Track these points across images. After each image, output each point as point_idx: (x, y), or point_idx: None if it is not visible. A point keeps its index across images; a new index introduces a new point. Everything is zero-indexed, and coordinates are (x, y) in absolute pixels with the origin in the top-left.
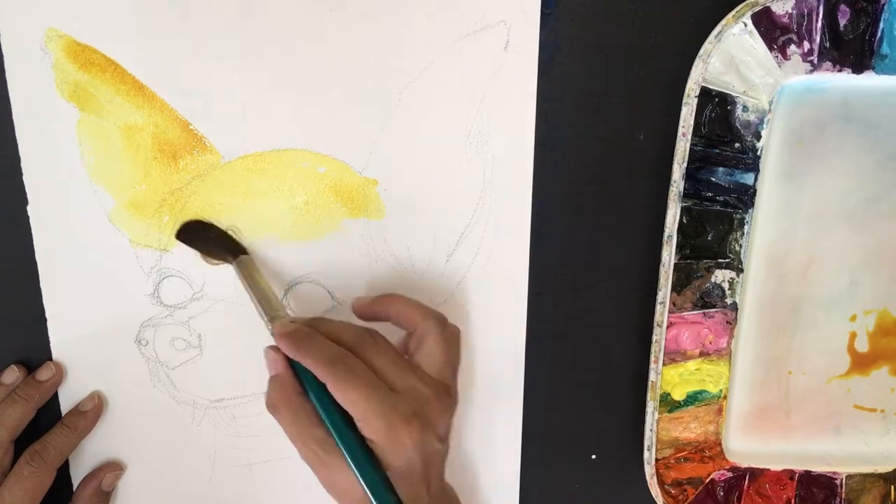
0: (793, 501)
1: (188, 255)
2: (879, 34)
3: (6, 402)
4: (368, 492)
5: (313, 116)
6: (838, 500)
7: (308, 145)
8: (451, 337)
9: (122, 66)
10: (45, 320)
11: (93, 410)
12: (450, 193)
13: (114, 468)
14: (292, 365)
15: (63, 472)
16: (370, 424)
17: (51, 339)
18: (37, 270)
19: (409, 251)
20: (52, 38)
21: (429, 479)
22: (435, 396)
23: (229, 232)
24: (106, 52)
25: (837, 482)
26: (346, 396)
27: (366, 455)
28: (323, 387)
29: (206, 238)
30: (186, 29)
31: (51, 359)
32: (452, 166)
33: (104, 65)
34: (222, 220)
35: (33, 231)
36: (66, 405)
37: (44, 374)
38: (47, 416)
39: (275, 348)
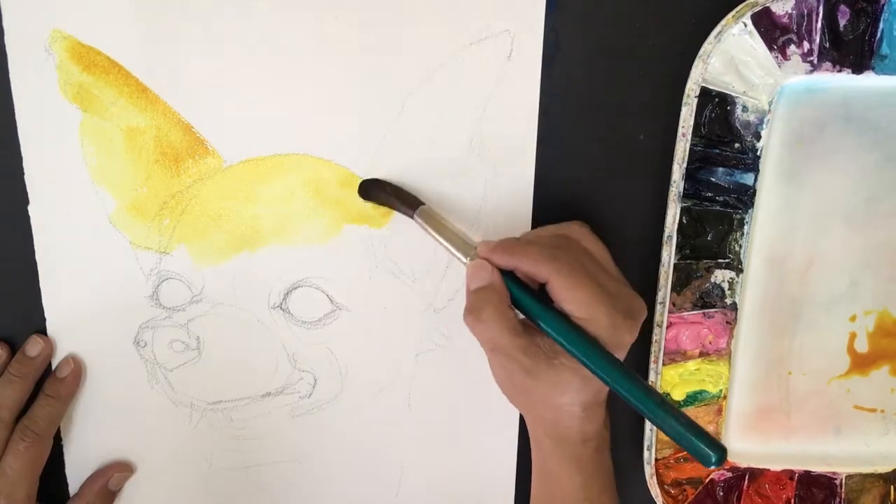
0: (792, 501)
1: (187, 258)
2: (879, 34)
3: (2, 383)
4: (608, 380)
5: (316, 122)
6: (838, 500)
7: (310, 150)
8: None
9: (126, 69)
10: (45, 320)
11: (71, 375)
12: (451, 200)
13: (123, 468)
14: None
15: (60, 471)
16: (597, 321)
17: (50, 339)
18: (37, 270)
19: (409, 257)
20: (57, 40)
21: None
22: (635, 296)
23: (403, 188)
24: (110, 54)
25: (837, 482)
26: (571, 294)
27: (594, 347)
28: (534, 293)
29: (384, 193)
30: (190, 33)
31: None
32: (454, 173)
33: (108, 67)
34: (227, 222)
35: (34, 231)
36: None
37: (33, 349)
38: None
39: (480, 263)
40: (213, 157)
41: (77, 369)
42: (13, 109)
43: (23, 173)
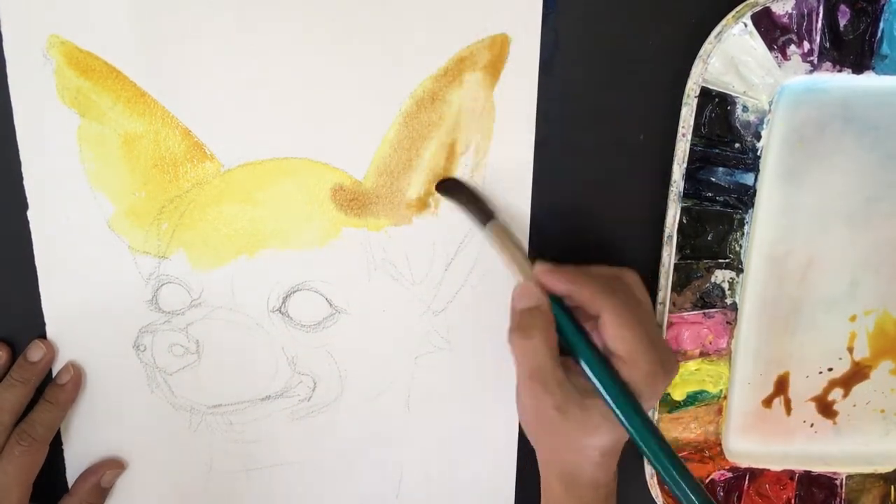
0: (793, 502)
1: (186, 263)
2: (879, 34)
3: (3, 387)
4: (632, 431)
5: (314, 125)
6: (838, 500)
7: (308, 154)
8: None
9: (123, 73)
10: (44, 324)
11: (71, 381)
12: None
13: (114, 465)
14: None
15: (59, 470)
16: (637, 365)
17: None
18: (36, 275)
19: (408, 260)
20: (54, 45)
21: None
22: (672, 353)
23: (480, 195)
24: (107, 59)
25: (837, 482)
26: (620, 332)
27: (628, 395)
28: (579, 328)
29: (463, 195)
30: (187, 37)
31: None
32: (452, 174)
33: (105, 72)
34: (226, 226)
35: (33, 236)
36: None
37: (35, 354)
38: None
39: (530, 285)
40: (212, 161)
41: (77, 376)
42: (12, 115)
43: (22, 178)
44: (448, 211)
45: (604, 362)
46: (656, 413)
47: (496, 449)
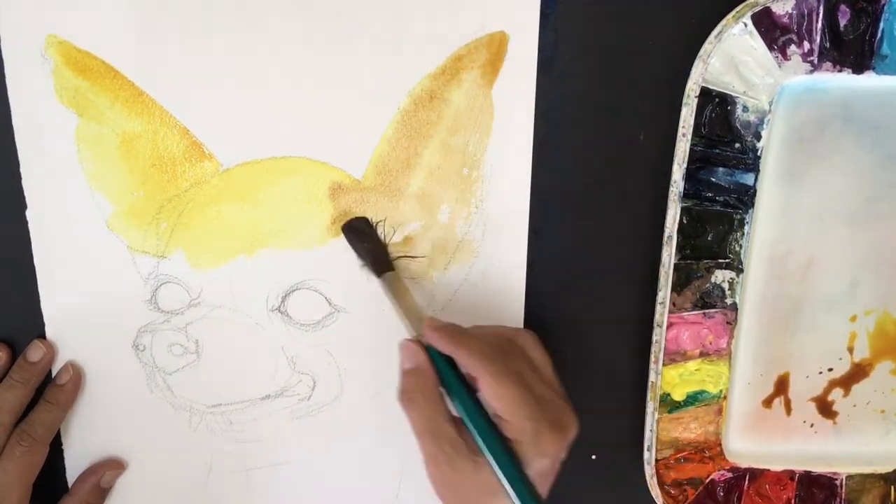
0: (793, 502)
1: (185, 262)
2: (879, 34)
3: (3, 387)
4: (512, 492)
5: (312, 124)
6: (838, 500)
7: (307, 153)
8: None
9: (122, 73)
10: (44, 324)
11: (71, 382)
12: (448, 200)
13: (114, 466)
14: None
15: (59, 470)
16: (518, 424)
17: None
18: (35, 275)
19: (406, 259)
20: (52, 45)
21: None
22: (568, 411)
23: (385, 242)
24: (105, 58)
25: (837, 482)
26: (499, 392)
27: (509, 454)
28: (465, 384)
29: (364, 239)
30: (186, 36)
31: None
32: (450, 173)
33: (103, 71)
34: (224, 225)
35: (32, 236)
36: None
37: (35, 354)
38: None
39: (415, 341)
40: (210, 160)
41: (76, 376)
42: (10, 115)
43: (20, 179)
44: (447, 209)
45: (485, 420)
46: (657, 413)
47: None
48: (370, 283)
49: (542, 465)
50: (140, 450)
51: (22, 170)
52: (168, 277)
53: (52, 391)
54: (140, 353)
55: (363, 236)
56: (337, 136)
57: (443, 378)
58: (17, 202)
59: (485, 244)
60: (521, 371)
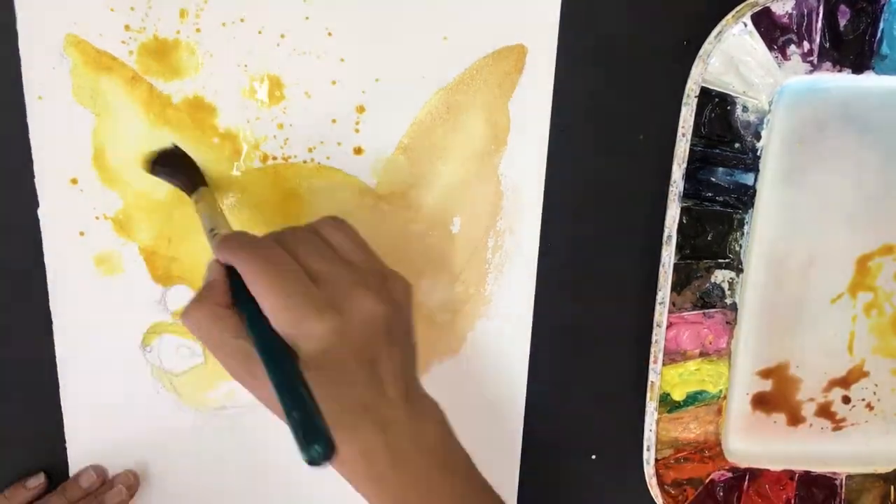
0: (792, 502)
1: (197, 263)
2: (879, 34)
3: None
4: (273, 384)
5: (329, 132)
6: (838, 500)
7: (323, 160)
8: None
9: (139, 73)
10: (52, 322)
11: (91, 486)
12: (461, 212)
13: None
14: (233, 278)
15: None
16: (276, 315)
17: (56, 342)
18: (45, 273)
19: (417, 269)
20: (71, 44)
21: (381, 379)
22: (360, 282)
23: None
24: (123, 58)
25: (837, 482)
26: (256, 288)
27: (274, 351)
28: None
29: (175, 165)
30: (201, 40)
31: (55, 363)
32: (465, 184)
33: (121, 71)
34: (237, 227)
35: (43, 234)
36: (69, 410)
37: (85, 480)
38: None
39: (216, 260)
40: (225, 162)
41: (98, 483)
42: (25, 113)
43: (33, 177)
44: (461, 219)
45: (262, 327)
46: (656, 413)
47: (499, 447)
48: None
49: (316, 351)
50: (146, 451)
51: (35, 168)
52: (178, 279)
53: (73, 489)
54: (147, 353)
55: (177, 159)
56: (353, 145)
57: (233, 292)
58: (30, 200)
59: (496, 257)
60: (299, 256)
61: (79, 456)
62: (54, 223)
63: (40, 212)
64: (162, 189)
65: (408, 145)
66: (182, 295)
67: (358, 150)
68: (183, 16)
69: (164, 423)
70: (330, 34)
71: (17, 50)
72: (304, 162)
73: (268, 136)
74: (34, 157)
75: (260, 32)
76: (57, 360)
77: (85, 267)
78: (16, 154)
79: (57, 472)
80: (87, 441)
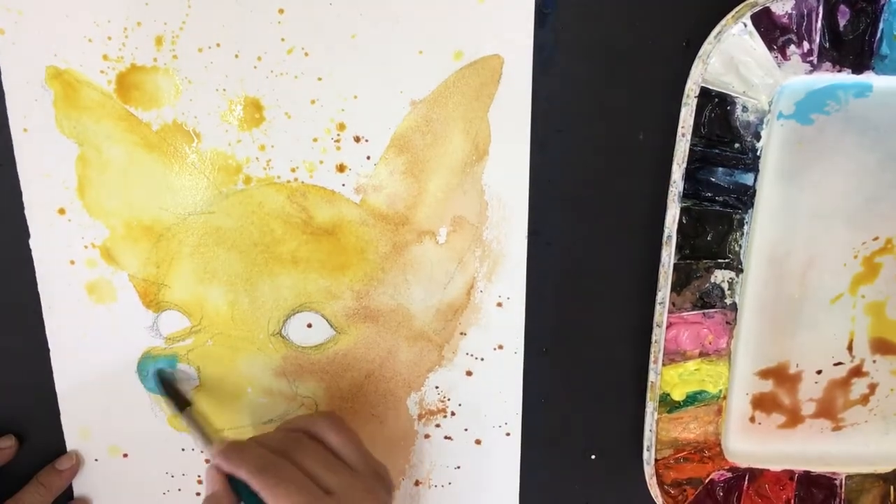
0: (792, 502)
1: (186, 288)
2: (879, 34)
3: (28, 491)
4: None
5: (309, 149)
6: (838, 500)
7: (306, 179)
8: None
9: (119, 102)
10: (48, 351)
11: (69, 470)
12: (446, 222)
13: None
14: (233, 484)
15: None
16: None
17: (54, 370)
18: (39, 302)
19: (407, 282)
20: (52, 76)
21: None
22: (369, 490)
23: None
24: (105, 88)
25: (837, 482)
26: (278, 503)
27: None
28: (260, 499)
29: (162, 387)
30: (179, 67)
31: (54, 391)
32: (448, 195)
33: (101, 100)
34: (221, 254)
35: (35, 263)
36: (67, 431)
37: (64, 463)
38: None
39: (210, 469)
40: (210, 187)
41: (76, 466)
42: (12, 145)
43: (23, 208)
44: (445, 237)
45: None
46: (656, 413)
47: (499, 452)
48: (371, 301)
49: None
50: (144, 474)
51: (25, 199)
52: (169, 304)
53: (49, 475)
54: (143, 378)
55: (165, 381)
56: (334, 162)
57: (242, 497)
58: (21, 231)
59: (483, 267)
60: (307, 469)
61: (80, 479)
62: (45, 253)
63: (31, 242)
64: (146, 216)
65: (390, 160)
66: (173, 320)
67: (340, 168)
68: (159, 43)
69: (160, 447)
70: (307, 54)
71: (1, 83)
72: (288, 182)
73: (250, 157)
74: (22, 188)
75: (237, 56)
76: (55, 387)
77: (77, 295)
78: (5, 187)
79: (61, 496)
80: (86, 465)
